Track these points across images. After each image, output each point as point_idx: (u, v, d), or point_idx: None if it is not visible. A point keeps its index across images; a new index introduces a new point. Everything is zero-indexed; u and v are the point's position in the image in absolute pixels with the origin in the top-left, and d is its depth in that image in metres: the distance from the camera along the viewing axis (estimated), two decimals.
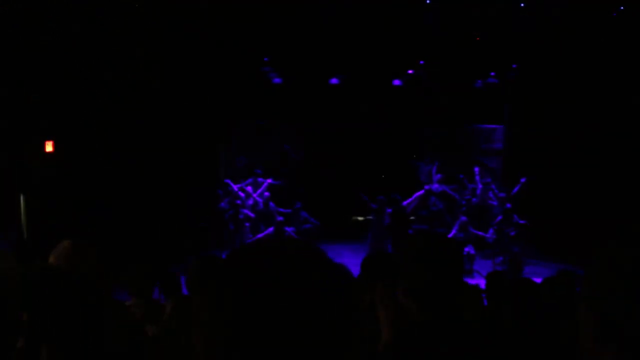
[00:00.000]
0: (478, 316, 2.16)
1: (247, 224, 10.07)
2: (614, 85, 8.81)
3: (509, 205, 9.90)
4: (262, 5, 8.06)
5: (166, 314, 2.64)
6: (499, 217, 9.90)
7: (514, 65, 10.30)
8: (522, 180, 10.22)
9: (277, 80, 10.39)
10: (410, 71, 10.49)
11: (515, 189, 10.29)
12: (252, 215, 10.23)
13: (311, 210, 10.89)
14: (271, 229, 9.69)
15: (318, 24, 8.49)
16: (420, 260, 1.66)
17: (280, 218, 9.88)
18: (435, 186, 11.36)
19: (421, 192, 10.75)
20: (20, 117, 6.93)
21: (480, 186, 10.86)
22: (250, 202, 10.50)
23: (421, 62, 10.20)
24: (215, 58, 9.08)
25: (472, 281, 7.08)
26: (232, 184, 10.34)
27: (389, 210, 9.87)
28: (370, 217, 10.21)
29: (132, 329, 2.13)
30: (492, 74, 10.70)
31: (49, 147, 7.40)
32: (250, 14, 8.18)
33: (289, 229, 9.85)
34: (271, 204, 10.48)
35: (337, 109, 11.08)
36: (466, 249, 9.75)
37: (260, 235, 9.68)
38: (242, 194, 10.44)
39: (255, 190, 10.67)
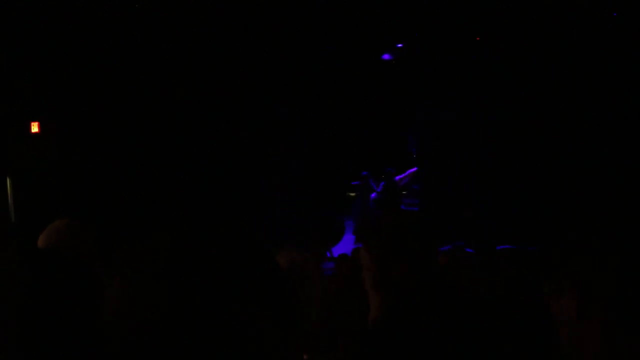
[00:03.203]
0: (470, 285, 2.16)
1: None
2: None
3: None
4: None
5: None
6: None
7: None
8: None
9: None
10: (399, 45, 10.39)
11: None
12: None
13: None
14: None
15: None
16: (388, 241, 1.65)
17: None
18: None
19: (415, 168, 10.75)
20: (5, 99, 6.84)
21: None
22: None
23: (409, 35, 10.10)
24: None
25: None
26: None
27: (377, 184, 9.88)
28: (355, 194, 10.27)
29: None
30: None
31: (34, 128, 7.33)
32: None
33: None
34: None
35: (329, 83, 10.99)
36: None
37: None
38: None
39: None
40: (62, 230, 1.87)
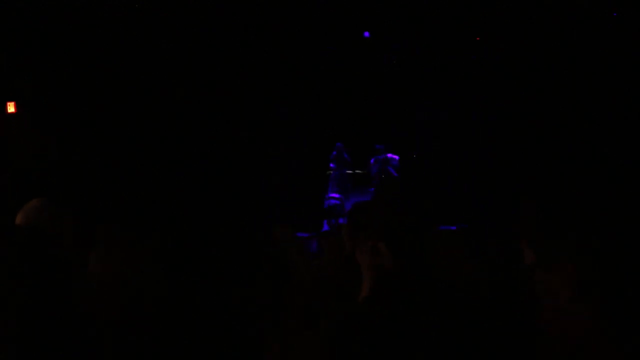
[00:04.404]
0: (456, 266, 2.14)
1: None
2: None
3: None
4: None
5: None
6: None
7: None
8: None
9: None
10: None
11: None
12: None
13: None
14: None
15: None
16: (389, 209, 1.65)
17: None
18: None
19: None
20: None
21: None
22: None
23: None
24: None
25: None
26: None
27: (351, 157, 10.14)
28: (331, 166, 10.51)
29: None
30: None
31: (11, 108, 7.32)
32: None
33: None
34: None
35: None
36: None
37: None
38: None
39: None
40: (39, 209, 1.88)
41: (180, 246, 2.17)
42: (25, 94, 7.45)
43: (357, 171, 10.49)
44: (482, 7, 8.81)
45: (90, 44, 7.95)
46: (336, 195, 9.92)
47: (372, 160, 10.79)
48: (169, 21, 8.53)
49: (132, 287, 2.76)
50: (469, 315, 1.59)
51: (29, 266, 1.68)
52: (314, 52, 10.13)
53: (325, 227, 9.24)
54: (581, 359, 0.97)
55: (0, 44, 7.03)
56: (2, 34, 7.00)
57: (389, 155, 10.75)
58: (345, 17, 9.15)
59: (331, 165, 10.45)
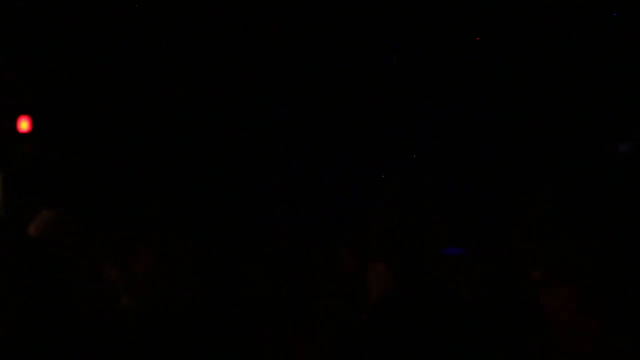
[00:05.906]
0: (460, 287, 2.13)
1: None
2: None
3: None
4: None
5: None
6: None
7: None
8: None
9: None
10: (396, 45, 10.37)
11: None
12: None
13: None
14: None
15: None
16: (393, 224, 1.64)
17: None
18: None
19: None
20: None
21: None
22: None
23: (410, 35, 10.07)
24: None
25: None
26: None
27: None
28: None
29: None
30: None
31: (25, 124, 7.35)
32: None
33: None
34: None
35: (329, 83, 10.96)
36: None
37: None
38: None
39: None
40: (50, 220, 1.89)
41: (180, 246, 2.16)
42: (26, 95, 7.49)
43: None
44: (482, 7, 8.82)
45: (90, 43, 7.98)
46: None
47: None
48: (169, 21, 8.54)
49: (132, 287, 2.77)
50: (470, 318, 1.59)
51: (29, 266, 1.68)
52: (314, 52, 10.11)
53: None
54: None
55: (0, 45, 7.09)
56: (2, 35, 7.04)
57: None
58: (345, 17, 9.16)
59: None
